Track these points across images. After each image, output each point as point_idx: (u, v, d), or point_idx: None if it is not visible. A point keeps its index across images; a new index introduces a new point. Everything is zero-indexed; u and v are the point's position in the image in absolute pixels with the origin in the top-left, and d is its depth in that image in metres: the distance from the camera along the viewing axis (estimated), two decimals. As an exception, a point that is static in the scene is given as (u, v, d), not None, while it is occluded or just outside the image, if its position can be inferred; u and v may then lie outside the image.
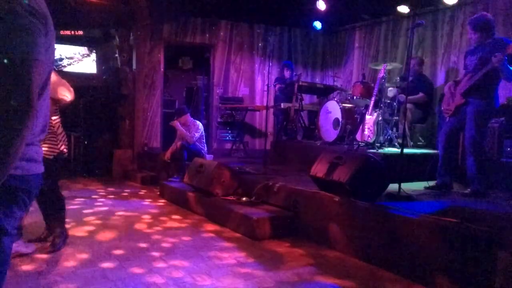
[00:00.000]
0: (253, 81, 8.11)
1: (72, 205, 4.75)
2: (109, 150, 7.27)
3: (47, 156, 3.15)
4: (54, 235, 3.26)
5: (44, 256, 3.09)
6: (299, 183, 4.21)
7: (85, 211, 4.56)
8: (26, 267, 2.87)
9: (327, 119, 5.83)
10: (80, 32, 7.11)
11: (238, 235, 3.81)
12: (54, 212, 3.30)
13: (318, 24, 7.52)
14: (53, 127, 3.23)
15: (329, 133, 5.77)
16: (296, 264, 3.09)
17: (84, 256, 3.14)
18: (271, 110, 6.92)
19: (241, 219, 3.87)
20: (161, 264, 3.01)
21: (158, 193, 5.72)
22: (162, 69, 7.54)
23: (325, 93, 6.92)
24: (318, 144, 5.81)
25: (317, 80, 8.33)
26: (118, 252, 3.26)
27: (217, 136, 7.85)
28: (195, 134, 5.87)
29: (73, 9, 6.56)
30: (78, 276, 2.75)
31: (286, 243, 3.58)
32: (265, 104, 6.07)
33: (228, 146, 7.59)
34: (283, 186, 4.20)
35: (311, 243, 3.62)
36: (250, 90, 8.10)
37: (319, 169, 3.75)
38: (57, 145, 3.22)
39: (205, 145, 6.14)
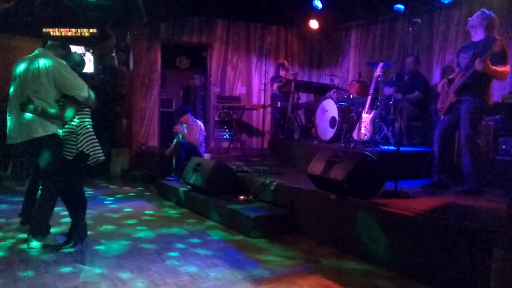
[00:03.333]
0: (250, 80, 8.12)
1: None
2: (106, 149, 7.25)
3: (66, 157, 3.29)
4: (70, 233, 3.36)
5: (42, 256, 3.09)
6: (296, 181, 4.22)
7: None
8: (24, 267, 2.87)
9: (324, 118, 5.85)
10: (77, 31, 7.10)
11: (235, 233, 3.82)
12: (74, 211, 3.39)
13: (314, 23, 7.54)
14: (75, 127, 3.28)
15: (326, 132, 5.79)
16: (293, 262, 3.11)
17: (82, 255, 3.15)
18: (268, 109, 6.93)
19: (238, 217, 3.89)
20: (159, 263, 3.02)
21: (156, 192, 5.72)
22: (159, 69, 7.54)
23: (321, 91, 6.93)
24: (315, 142, 5.84)
25: (314, 79, 8.35)
26: (116, 251, 3.27)
27: (215, 135, 7.86)
28: (200, 136, 5.87)
29: (70, 8, 6.55)
30: (76, 276, 2.75)
31: (283, 241, 3.60)
32: (262, 103, 6.09)
33: (225, 144, 7.60)
34: (280, 185, 4.22)
35: (308, 241, 3.64)
36: (247, 89, 8.11)
37: (316, 167, 3.77)
38: (76, 145, 3.26)
39: (204, 144, 6.15)
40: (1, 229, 3.68)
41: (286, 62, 7.13)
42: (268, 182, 4.35)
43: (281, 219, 3.89)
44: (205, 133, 6.06)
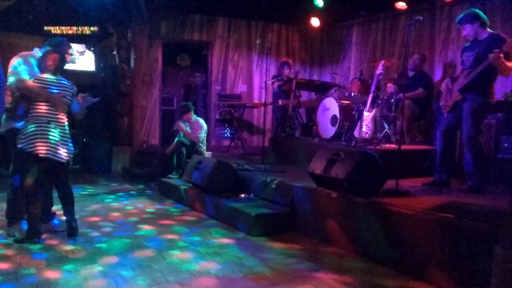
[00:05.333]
0: (251, 78, 8.11)
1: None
2: (108, 147, 7.27)
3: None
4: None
5: (44, 253, 3.11)
6: (297, 179, 4.22)
7: (84, 209, 4.56)
8: (26, 264, 2.88)
9: (325, 116, 5.84)
10: (78, 29, 7.11)
11: (236, 231, 3.82)
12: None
13: (315, 21, 7.52)
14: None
15: (327, 130, 5.79)
16: (294, 260, 3.11)
17: (83, 253, 3.16)
18: (269, 107, 6.92)
19: (239, 215, 3.89)
20: (160, 261, 3.03)
21: (157, 190, 5.72)
22: (160, 67, 7.54)
23: (323, 89, 6.93)
24: (316, 141, 5.83)
25: (315, 77, 8.34)
26: (117, 249, 3.28)
27: (215, 133, 7.86)
28: (200, 134, 5.87)
29: (71, 6, 6.55)
30: (78, 273, 2.76)
31: (284, 239, 3.59)
32: (263, 101, 6.09)
33: (226, 143, 7.61)
34: (281, 183, 4.22)
35: (309, 239, 3.64)
36: (248, 87, 8.11)
37: (317, 165, 3.77)
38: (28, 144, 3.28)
39: (205, 142, 6.15)
40: (3, 227, 3.69)
41: (290, 60, 7.11)
42: (269, 180, 4.35)
43: (282, 217, 3.89)
44: (205, 131, 6.04)
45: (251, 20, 7.97)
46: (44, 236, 3.41)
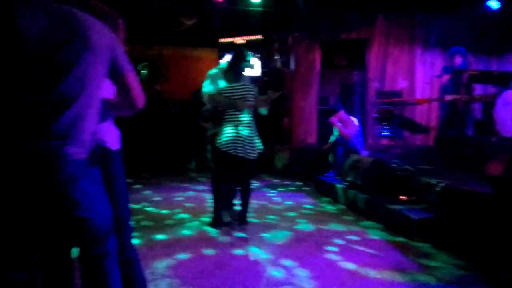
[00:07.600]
0: (413, 73, 7.55)
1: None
2: (270, 146, 7.88)
3: None
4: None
5: (220, 238, 3.61)
6: (468, 183, 3.78)
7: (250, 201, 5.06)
8: (206, 246, 3.39)
9: (507, 111, 5.03)
10: (245, 39, 7.93)
11: (396, 234, 3.67)
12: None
13: (494, 3, 6.51)
14: None
15: (509, 127, 4.98)
16: (465, 273, 2.82)
17: (251, 241, 3.54)
18: (434, 103, 6.34)
19: (400, 218, 3.72)
20: (318, 255, 3.15)
21: (314, 187, 5.92)
22: (318, 68, 7.75)
23: (503, 81, 5.95)
24: (493, 139, 5.08)
25: (493, 67, 7.22)
26: (279, 240, 3.56)
27: (373, 132, 7.63)
28: (351, 131, 5.87)
29: (240, 19, 7.34)
30: (246, 258, 3.10)
31: (451, 249, 3.27)
32: (426, 97, 5.64)
33: (384, 142, 7.29)
34: (448, 186, 3.84)
35: (481, 252, 3.22)
36: (410, 83, 7.58)
37: (495, 167, 3.31)
38: None
39: (362, 140, 6.06)
40: (188, 212, 4.42)
41: (463, 49, 6.36)
42: (433, 182, 4.02)
43: (448, 224, 3.54)
44: (358, 129, 5.94)
45: (413, 12, 7.43)
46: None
